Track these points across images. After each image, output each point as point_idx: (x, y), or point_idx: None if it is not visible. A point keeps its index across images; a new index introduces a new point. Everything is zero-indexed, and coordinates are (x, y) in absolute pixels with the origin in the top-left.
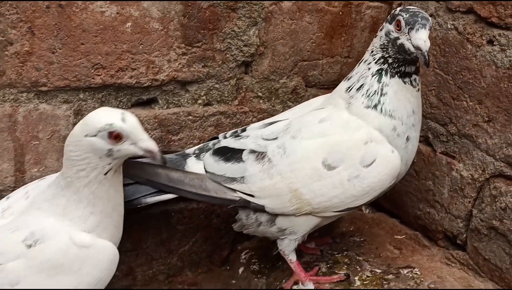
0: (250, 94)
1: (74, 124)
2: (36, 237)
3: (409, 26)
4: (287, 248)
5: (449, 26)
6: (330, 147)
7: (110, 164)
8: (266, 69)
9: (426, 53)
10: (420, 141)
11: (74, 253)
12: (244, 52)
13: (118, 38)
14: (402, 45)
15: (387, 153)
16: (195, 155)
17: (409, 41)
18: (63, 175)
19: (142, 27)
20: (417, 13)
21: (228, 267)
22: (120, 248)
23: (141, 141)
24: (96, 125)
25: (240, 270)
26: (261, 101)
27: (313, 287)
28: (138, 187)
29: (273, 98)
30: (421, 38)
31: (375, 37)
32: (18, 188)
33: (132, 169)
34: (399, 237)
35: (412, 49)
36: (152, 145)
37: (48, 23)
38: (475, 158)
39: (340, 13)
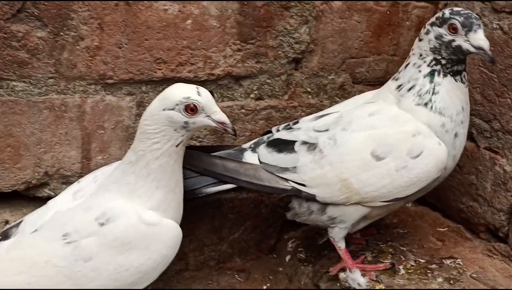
0: (300, 89)
1: (137, 115)
2: (108, 216)
3: (466, 28)
4: (337, 235)
5: (494, 26)
6: (379, 139)
7: (183, 136)
8: (315, 66)
9: (488, 51)
10: None
11: (142, 231)
12: (295, 49)
13: (179, 35)
14: (459, 46)
15: (434, 146)
16: (251, 148)
17: (467, 42)
18: (135, 150)
19: (201, 24)
20: (471, 15)
21: (275, 255)
22: None
23: (214, 113)
24: (174, 99)
25: (287, 258)
26: (309, 96)
27: (360, 274)
28: (198, 178)
29: (321, 94)
30: (481, 38)
31: (420, 40)
32: (84, 174)
33: (192, 160)
34: (441, 229)
35: (472, 49)
36: (224, 117)
37: (116, 19)
38: None
39: (388, 12)
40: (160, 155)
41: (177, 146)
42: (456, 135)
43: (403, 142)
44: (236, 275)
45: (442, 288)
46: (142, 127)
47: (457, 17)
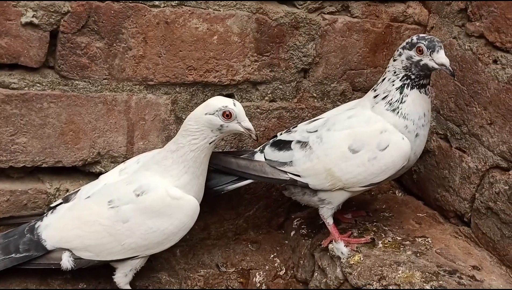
0: (307, 94)
1: (171, 110)
2: (143, 189)
3: (430, 50)
4: (326, 213)
5: (466, 47)
6: (354, 136)
7: (216, 136)
8: (320, 75)
9: (450, 67)
10: (441, 138)
11: (168, 202)
12: (303, 61)
13: (207, 47)
14: (425, 64)
15: (398, 140)
16: (259, 150)
17: (432, 60)
18: (176, 142)
19: (225, 39)
20: (433, 39)
21: (283, 231)
22: (200, 208)
23: (244, 121)
24: (216, 106)
25: (292, 233)
26: (315, 100)
27: (344, 245)
28: (221, 178)
29: (325, 98)
30: (442, 57)
31: (394, 61)
32: (129, 156)
33: (213, 159)
34: (421, 215)
35: (436, 66)
36: (250, 125)
37: (157, 35)
38: (479, 152)
39: (383, 32)
40: (196, 149)
41: (210, 143)
42: (417, 135)
43: (373, 137)
44: (249, 245)
45: (409, 259)
46: (185, 126)
47: (422, 41)
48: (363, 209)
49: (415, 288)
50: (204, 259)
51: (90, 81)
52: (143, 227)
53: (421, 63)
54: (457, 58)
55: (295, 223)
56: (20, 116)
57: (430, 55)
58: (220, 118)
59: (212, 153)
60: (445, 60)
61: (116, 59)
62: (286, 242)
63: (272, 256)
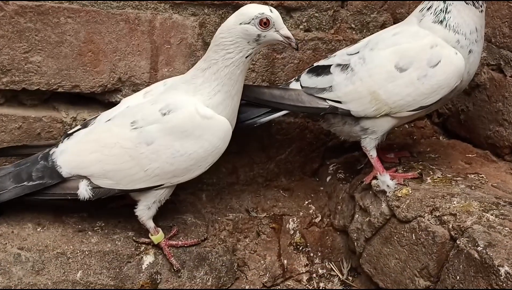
0: (345, 25)
1: (199, 34)
2: (170, 107)
3: None
4: (369, 145)
5: None
6: (401, 53)
7: (253, 48)
8: (360, 4)
9: None
10: (493, 70)
11: (198, 122)
12: None
13: None
14: None
15: (451, 55)
16: (295, 79)
17: None
18: (207, 59)
19: None
20: None
21: (317, 179)
22: (227, 149)
23: (282, 29)
24: (251, 14)
25: (328, 178)
26: (353, 32)
27: (389, 178)
28: (252, 110)
29: (364, 30)
30: None
31: None
32: (152, 84)
33: (246, 91)
34: (470, 155)
35: None
36: (289, 33)
37: None
38: None
39: None
40: (231, 64)
41: (246, 57)
42: (470, 51)
43: (422, 53)
44: (281, 192)
45: (463, 191)
46: (217, 40)
47: None
48: (406, 149)
49: (474, 216)
50: (232, 203)
51: None
52: (169, 150)
53: None
54: None
55: (331, 169)
56: (35, 31)
57: None
58: (257, 26)
59: (243, 85)
60: None
61: None
62: (322, 188)
63: (306, 202)
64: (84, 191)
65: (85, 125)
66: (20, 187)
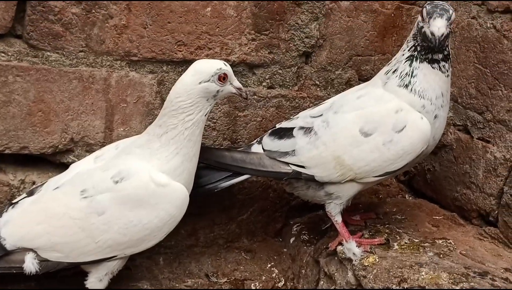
0: (309, 81)
1: (157, 92)
2: (122, 175)
3: (429, 16)
4: (334, 210)
5: (488, 25)
6: (365, 117)
7: (211, 105)
8: (324, 60)
9: (437, 38)
10: (459, 130)
11: (152, 190)
12: (305, 43)
13: (199, 20)
14: (424, 32)
15: (416, 120)
16: (257, 142)
17: (428, 28)
18: (164, 124)
19: (219, 12)
20: (438, 5)
21: (280, 239)
22: (187, 211)
23: (234, 81)
24: (210, 71)
25: (291, 240)
26: (318, 89)
27: (356, 245)
28: (213, 174)
29: (329, 87)
30: (435, 25)
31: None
32: (107, 144)
33: (204, 154)
34: (437, 217)
35: (429, 35)
36: (240, 84)
37: (142, 2)
38: (507, 140)
39: (392, 15)
40: (191, 125)
41: (205, 115)
42: (436, 116)
43: (387, 118)
44: (243, 254)
45: (431, 260)
46: (175, 104)
47: (426, 6)
48: (372, 210)
49: (444, 289)
50: (191, 268)
51: (64, 53)
52: (122, 220)
53: (422, 30)
54: (478, 39)
55: (294, 229)
56: None
57: (428, 21)
58: (216, 83)
59: (203, 147)
60: (436, 29)
61: (94, 28)
62: (285, 250)
63: (269, 265)
64: (30, 264)
65: (31, 193)
66: None
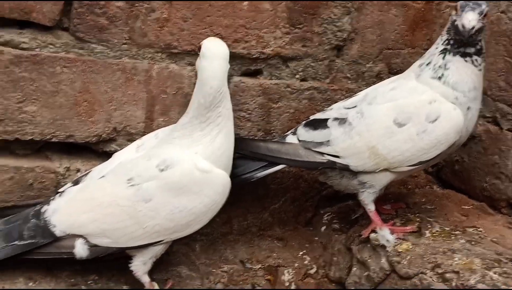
0: (340, 74)
1: (195, 84)
2: (167, 163)
3: (461, 9)
4: (367, 198)
5: None
6: (399, 108)
7: None
8: (355, 53)
9: (467, 30)
10: (488, 122)
11: (197, 177)
12: (337, 36)
13: (236, 14)
14: (456, 25)
15: (449, 110)
16: (291, 133)
17: (460, 21)
18: (210, 117)
19: (256, 6)
20: None
21: (311, 228)
22: None
23: None
24: (227, 53)
25: (322, 228)
26: (349, 82)
27: (389, 232)
28: (249, 164)
29: (360, 80)
30: (467, 18)
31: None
32: (147, 133)
33: (239, 144)
34: (466, 207)
35: (461, 28)
36: None
37: None
38: None
39: (422, 9)
40: (227, 103)
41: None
42: (468, 108)
43: (421, 108)
44: (275, 241)
45: (463, 247)
46: (218, 97)
47: (460, 1)
48: (402, 200)
49: (477, 274)
50: (226, 254)
51: (108, 45)
52: (168, 206)
53: (455, 23)
54: (507, 32)
55: (325, 218)
56: (30, 81)
57: (460, 15)
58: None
59: (238, 138)
60: (467, 22)
61: (137, 22)
62: (316, 238)
63: (301, 253)
64: (81, 250)
65: (76, 182)
66: (11, 247)
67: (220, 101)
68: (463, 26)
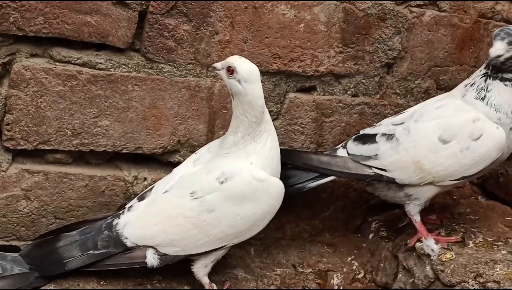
0: (390, 90)
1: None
2: (226, 175)
3: (494, 38)
4: (413, 210)
5: None
6: (444, 125)
7: None
8: (405, 71)
9: (492, 58)
10: None
11: (254, 186)
12: (388, 55)
13: (293, 35)
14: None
15: (492, 129)
16: (342, 146)
17: (490, 49)
18: (260, 131)
19: (311, 28)
20: (505, 28)
21: (359, 235)
22: None
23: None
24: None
25: (370, 236)
26: (398, 97)
27: (434, 242)
28: (301, 175)
29: (409, 96)
30: (494, 47)
31: None
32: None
33: (292, 157)
34: (510, 218)
35: (489, 56)
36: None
37: (244, 19)
38: None
39: (470, 28)
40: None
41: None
42: (511, 129)
43: (465, 127)
44: (325, 247)
45: (505, 257)
46: (265, 113)
47: (498, 29)
48: (447, 210)
49: None
50: (279, 258)
51: (175, 65)
52: (230, 214)
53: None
54: None
55: (373, 226)
56: (105, 98)
57: (492, 42)
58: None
59: (292, 150)
60: (493, 51)
61: (202, 43)
62: (364, 245)
63: (349, 258)
64: (152, 259)
65: (141, 197)
66: (87, 256)
67: (263, 112)
68: (490, 55)
